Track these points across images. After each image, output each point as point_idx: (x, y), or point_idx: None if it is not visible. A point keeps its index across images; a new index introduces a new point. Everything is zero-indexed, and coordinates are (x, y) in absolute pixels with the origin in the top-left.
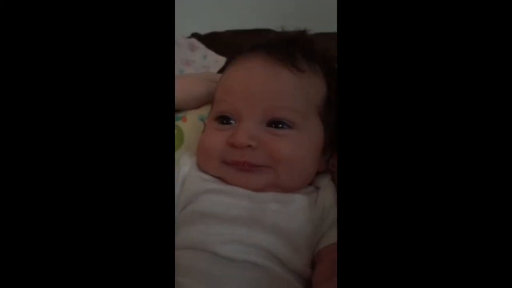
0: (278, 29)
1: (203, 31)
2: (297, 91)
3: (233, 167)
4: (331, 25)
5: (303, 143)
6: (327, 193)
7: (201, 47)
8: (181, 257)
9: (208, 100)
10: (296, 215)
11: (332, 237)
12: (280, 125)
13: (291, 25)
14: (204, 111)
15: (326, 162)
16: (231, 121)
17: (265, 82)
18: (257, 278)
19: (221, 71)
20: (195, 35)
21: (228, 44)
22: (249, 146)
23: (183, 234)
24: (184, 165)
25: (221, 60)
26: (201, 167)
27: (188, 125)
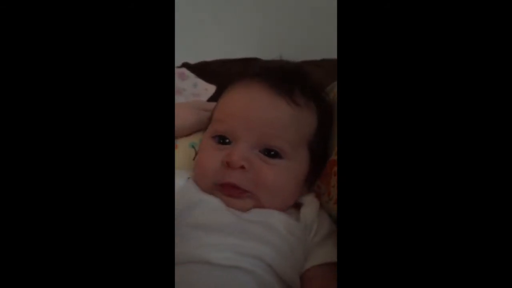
0: (264, 58)
1: (193, 60)
2: (291, 123)
3: (221, 192)
4: (317, 53)
5: (289, 174)
6: (310, 209)
7: (191, 76)
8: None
9: (199, 128)
10: (278, 227)
11: (318, 257)
12: (272, 153)
13: (277, 55)
14: (195, 138)
15: (309, 186)
16: (227, 141)
17: (263, 110)
18: (247, 282)
19: (211, 99)
20: (185, 65)
21: (217, 72)
22: (242, 167)
23: (177, 250)
24: (179, 179)
25: (211, 88)
26: (197, 183)
27: (179, 152)
